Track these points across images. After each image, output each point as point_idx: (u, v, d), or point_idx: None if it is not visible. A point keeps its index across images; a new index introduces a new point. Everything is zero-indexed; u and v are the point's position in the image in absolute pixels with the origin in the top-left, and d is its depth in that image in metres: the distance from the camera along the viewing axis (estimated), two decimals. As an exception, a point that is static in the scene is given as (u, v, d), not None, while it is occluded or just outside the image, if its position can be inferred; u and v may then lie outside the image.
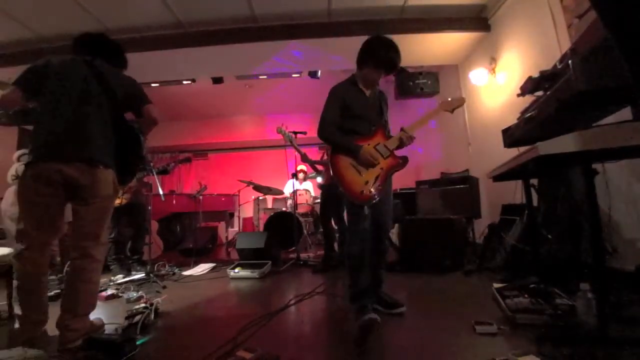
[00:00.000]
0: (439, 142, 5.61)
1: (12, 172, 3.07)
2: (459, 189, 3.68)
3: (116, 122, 1.71)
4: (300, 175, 5.13)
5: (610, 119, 1.61)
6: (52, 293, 2.15)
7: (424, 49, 4.15)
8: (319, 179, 3.87)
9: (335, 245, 3.58)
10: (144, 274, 3.07)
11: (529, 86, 1.90)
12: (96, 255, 1.58)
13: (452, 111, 1.96)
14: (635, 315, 1.50)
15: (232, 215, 6.39)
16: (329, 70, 4.82)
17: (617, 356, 1.22)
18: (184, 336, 1.71)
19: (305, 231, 4.66)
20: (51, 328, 1.50)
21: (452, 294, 2.30)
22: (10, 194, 3.07)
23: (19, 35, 3.69)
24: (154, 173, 3.32)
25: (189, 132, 7.59)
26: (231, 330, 1.65)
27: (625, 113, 1.59)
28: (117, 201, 3.10)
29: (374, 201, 1.80)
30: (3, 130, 4.88)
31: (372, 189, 1.81)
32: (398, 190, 4.34)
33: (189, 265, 3.69)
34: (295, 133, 3.79)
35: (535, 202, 2.33)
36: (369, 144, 1.85)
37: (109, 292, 2.34)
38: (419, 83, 4.54)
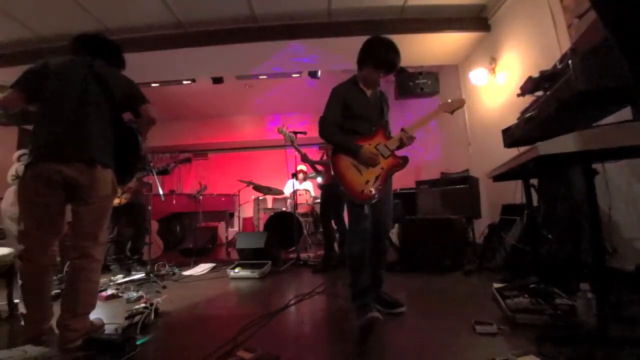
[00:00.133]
0: (439, 142, 5.61)
1: (12, 172, 3.08)
2: (459, 189, 3.68)
3: (115, 122, 1.72)
4: (300, 176, 5.13)
5: (610, 119, 1.61)
6: (52, 293, 2.16)
7: (424, 49, 4.15)
8: (319, 179, 3.87)
9: (336, 246, 3.58)
10: (144, 274, 3.07)
11: (529, 86, 1.90)
12: (95, 255, 1.58)
13: (452, 112, 1.97)
14: (635, 315, 1.50)
15: (232, 215, 6.39)
16: (329, 70, 4.82)
17: (617, 356, 1.22)
18: (184, 336, 1.71)
19: (305, 231, 4.66)
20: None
21: (452, 294, 2.30)
22: (10, 194, 3.07)
23: (19, 35, 3.69)
24: (154, 173, 3.33)
25: (189, 132, 7.59)
26: (231, 330, 1.65)
27: (625, 113, 1.59)
28: (117, 201, 3.11)
29: (374, 200, 1.81)
30: (3, 130, 4.88)
31: (372, 189, 1.81)
32: (398, 190, 4.34)
33: (189, 265, 3.69)
34: (296, 133, 3.79)
35: (535, 202, 2.33)
36: (369, 144, 1.85)
37: (109, 292, 2.34)
38: (419, 83, 4.54)
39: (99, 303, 1.67)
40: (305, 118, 6.92)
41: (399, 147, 1.89)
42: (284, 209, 4.94)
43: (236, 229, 6.05)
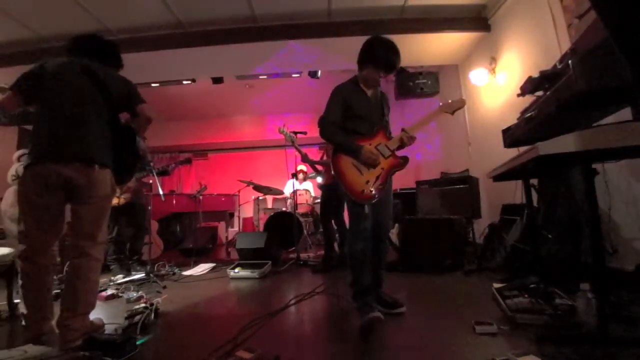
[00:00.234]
0: (439, 142, 5.61)
1: (12, 172, 3.07)
2: (459, 189, 3.68)
3: (113, 122, 1.73)
4: (300, 176, 5.13)
5: (610, 119, 1.61)
6: (52, 293, 2.16)
7: (424, 49, 4.15)
8: (319, 179, 3.87)
9: (336, 246, 3.58)
10: (144, 274, 3.07)
11: (529, 86, 1.90)
12: (94, 254, 1.59)
13: (452, 113, 1.97)
14: (635, 315, 1.50)
15: (232, 215, 6.39)
16: (329, 70, 4.82)
17: (617, 356, 1.22)
18: (184, 336, 1.71)
19: (305, 231, 4.66)
20: (52, 328, 1.51)
21: (452, 294, 2.30)
22: (10, 194, 3.07)
23: (19, 35, 3.69)
24: (154, 173, 3.33)
25: (189, 132, 7.59)
26: (231, 330, 1.65)
27: (625, 113, 1.59)
28: (116, 201, 3.11)
29: (375, 200, 1.81)
30: (3, 130, 4.89)
31: (372, 189, 1.82)
32: (398, 190, 4.34)
33: (189, 265, 3.69)
34: (296, 133, 3.79)
35: (535, 202, 2.33)
36: (370, 144, 1.86)
37: (109, 292, 2.34)
38: (419, 83, 4.54)
39: (99, 303, 1.67)
40: (305, 118, 6.92)
41: (399, 148, 1.89)
42: (284, 209, 4.94)
43: (236, 229, 6.04)
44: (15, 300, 2.09)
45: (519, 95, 2.07)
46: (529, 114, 1.83)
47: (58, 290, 2.35)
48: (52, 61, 1.67)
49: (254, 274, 3.08)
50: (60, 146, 1.53)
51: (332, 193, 3.37)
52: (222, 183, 6.78)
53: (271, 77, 5.17)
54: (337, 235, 3.63)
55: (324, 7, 3.62)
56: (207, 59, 4.25)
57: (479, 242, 3.35)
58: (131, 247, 3.44)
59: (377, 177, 1.84)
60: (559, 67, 1.58)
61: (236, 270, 3.18)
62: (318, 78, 4.95)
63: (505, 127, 2.27)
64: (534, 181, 2.47)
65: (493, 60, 3.75)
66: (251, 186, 4.81)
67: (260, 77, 5.08)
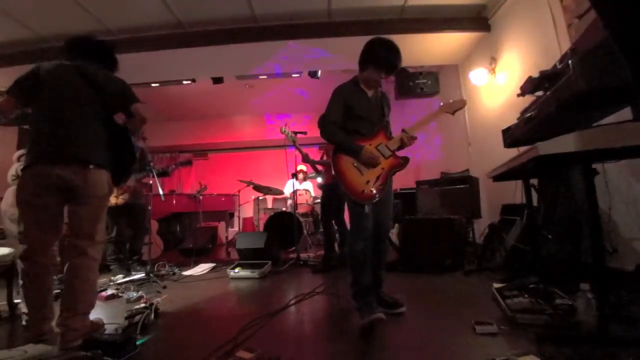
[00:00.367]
0: (439, 142, 5.61)
1: (12, 172, 3.07)
2: (459, 189, 3.68)
3: (108, 123, 1.74)
4: (300, 176, 5.13)
5: (610, 119, 1.61)
6: (53, 293, 2.17)
7: (424, 49, 4.15)
8: (319, 179, 3.87)
9: (336, 246, 3.58)
10: (144, 274, 3.07)
11: (529, 86, 1.90)
12: (92, 253, 1.59)
13: (453, 113, 1.97)
14: (635, 315, 1.50)
15: (232, 215, 6.39)
16: (329, 70, 4.82)
17: (617, 356, 1.22)
18: (184, 336, 1.71)
19: (305, 231, 4.66)
20: (52, 328, 1.51)
21: (452, 294, 2.30)
22: (10, 194, 3.06)
23: (19, 35, 3.69)
24: (154, 174, 3.33)
25: (189, 132, 7.59)
26: (231, 330, 1.65)
27: (625, 113, 1.59)
28: (115, 201, 3.11)
29: (375, 200, 1.81)
30: (3, 130, 4.89)
31: (373, 188, 1.82)
32: (398, 190, 4.34)
33: (189, 265, 3.69)
34: (296, 133, 3.79)
35: (535, 202, 2.33)
36: (370, 144, 1.86)
37: (109, 292, 2.34)
38: (419, 83, 4.54)
39: (99, 303, 1.68)
40: (305, 118, 6.93)
41: (399, 148, 1.89)
42: (284, 209, 4.94)
43: (236, 229, 6.04)
44: (16, 300, 2.09)
45: (519, 95, 2.06)
46: (529, 114, 1.83)
47: (58, 291, 2.35)
48: (47, 63, 1.69)
49: (254, 274, 3.08)
50: (56, 148, 1.55)
51: (333, 193, 3.37)
52: (222, 183, 6.78)
53: (271, 77, 5.18)
54: (337, 235, 3.63)
55: (324, 7, 3.62)
56: (207, 59, 4.25)
57: (479, 242, 3.35)
58: (131, 247, 3.44)
59: (378, 177, 1.85)
60: (559, 67, 1.58)
61: (236, 270, 3.18)
62: (318, 78, 4.95)
63: (505, 127, 2.27)
64: (534, 181, 2.47)
65: (493, 60, 3.75)
66: (251, 186, 4.81)
67: (260, 77, 5.08)
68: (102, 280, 2.96)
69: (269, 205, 6.23)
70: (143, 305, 1.93)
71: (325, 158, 3.77)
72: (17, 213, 1.59)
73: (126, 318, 1.77)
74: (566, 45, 2.48)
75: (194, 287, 2.86)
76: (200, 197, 4.91)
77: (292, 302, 2.19)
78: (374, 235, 1.87)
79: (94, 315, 1.62)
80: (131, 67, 4.11)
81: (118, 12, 3.50)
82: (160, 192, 3.36)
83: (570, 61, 1.39)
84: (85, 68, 1.70)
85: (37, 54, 3.73)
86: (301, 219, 4.59)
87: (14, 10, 3.35)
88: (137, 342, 1.53)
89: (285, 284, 2.89)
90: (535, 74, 1.84)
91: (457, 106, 1.96)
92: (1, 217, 3.09)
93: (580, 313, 1.47)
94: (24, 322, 1.55)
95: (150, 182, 3.66)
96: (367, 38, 1.92)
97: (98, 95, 1.67)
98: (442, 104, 1.98)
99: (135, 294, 2.30)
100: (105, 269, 3.16)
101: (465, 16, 3.83)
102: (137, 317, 1.80)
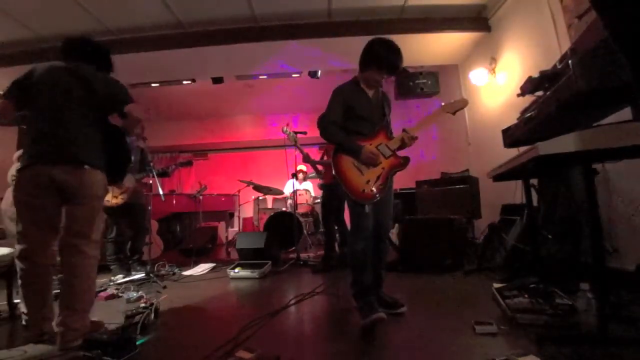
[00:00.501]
0: (438, 141, 5.61)
1: (12, 172, 3.07)
2: (459, 189, 3.68)
3: (103, 124, 1.75)
4: (300, 175, 5.13)
5: (610, 119, 1.61)
6: (52, 293, 2.17)
7: (424, 49, 4.15)
8: (320, 179, 3.86)
9: (336, 246, 3.58)
10: (144, 274, 3.06)
11: (529, 86, 1.90)
12: (89, 252, 1.60)
13: (454, 113, 1.96)
14: (635, 315, 1.50)
15: (232, 215, 6.39)
16: (329, 70, 4.82)
17: (617, 356, 1.22)
18: (184, 336, 1.71)
19: (305, 231, 4.66)
20: (52, 328, 1.51)
21: (452, 294, 2.30)
22: (10, 194, 3.07)
23: (19, 35, 3.69)
24: (154, 174, 3.33)
25: (189, 132, 7.58)
26: (231, 330, 1.65)
27: (625, 113, 1.59)
28: (114, 201, 3.11)
29: (375, 200, 1.81)
30: (3, 130, 4.89)
31: (373, 188, 1.82)
32: (398, 190, 4.34)
33: (189, 265, 3.69)
34: (296, 133, 3.79)
35: (535, 202, 2.33)
36: (371, 144, 1.86)
37: (109, 292, 2.34)
38: (419, 83, 4.55)
39: (99, 303, 1.68)
40: (305, 118, 6.92)
41: (400, 148, 1.89)
42: (284, 209, 4.94)
43: (236, 229, 6.04)
44: (15, 300, 2.09)
45: (519, 95, 2.06)
46: (529, 114, 1.83)
47: (58, 291, 2.35)
48: (41, 65, 1.70)
49: (254, 274, 3.08)
50: (57, 148, 1.56)
51: (334, 193, 3.37)
52: (222, 183, 6.78)
53: (271, 77, 5.18)
54: (337, 235, 3.63)
55: (324, 7, 3.62)
56: (207, 59, 4.25)
57: (479, 242, 3.34)
58: (132, 246, 3.44)
59: (378, 177, 1.84)
60: (559, 67, 1.58)
61: (236, 270, 3.18)
62: (318, 78, 4.95)
63: (505, 127, 2.26)
64: (534, 181, 2.47)
65: (493, 60, 3.75)
66: (251, 186, 4.81)
67: (260, 77, 5.08)
68: (102, 280, 2.96)
69: (269, 205, 6.23)
70: (143, 305, 1.93)
71: (325, 158, 3.77)
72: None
73: (126, 318, 1.77)
74: (566, 45, 2.48)
75: (194, 287, 2.86)
76: (200, 197, 4.91)
77: (292, 302, 2.18)
78: (374, 235, 1.87)
79: (94, 315, 1.61)
80: (131, 67, 4.12)
81: (118, 12, 3.50)
82: (160, 192, 3.36)
83: (570, 61, 1.39)
84: (79, 69, 1.71)
85: (37, 54, 3.73)
86: (301, 219, 4.59)
87: (14, 10, 3.35)
88: (137, 342, 1.52)
89: (285, 284, 2.89)
90: (535, 74, 1.84)
91: (458, 106, 1.96)
92: (1, 216, 3.10)
93: (580, 313, 1.48)
94: (23, 322, 1.55)
95: (150, 182, 3.66)
96: (367, 38, 1.92)
97: (93, 96, 1.68)
98: (443, 104, 1.98)
99: (135, 294, 2.30)
100: (105, 269, 3.16)
101: (465, 16, 3.83)
102: (137, 317, 1.80)
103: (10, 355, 1.28)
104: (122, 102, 1.76)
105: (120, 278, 3.05)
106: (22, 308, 1.54)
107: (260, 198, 5.83)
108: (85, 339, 1.46)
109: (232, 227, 6.42)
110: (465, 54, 4.37)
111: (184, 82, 4.97)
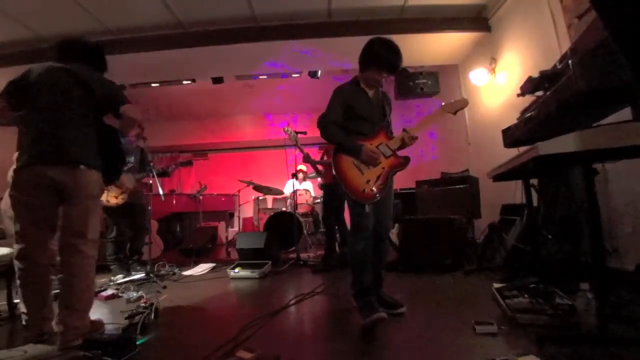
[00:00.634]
0: (438, 141, 5.61)
1: (11, 172, 3.07)
2: (459, 189, 3.68)
3: (98, 124, 1.75)
4: (300, 175, 5.13)
5: (610, 119, 1.61)
6: (52, 293, 2.17)
7: (424, 49, 4.15)
8: (320, 179, 3.86)
9: (336, 245, 3.58)
10: (144, 274, 3.06)
11: (529, 86, 1.90)
12: (87, 251, 1.60)
13: (454, 113, 1.96)
14: (635, 315, 1.50)
15: (232, 215, 6.39)
16: (329, 70, 4.82)
17: (617, 356, 1.22)
18: (184, 336, 1.71)
19: (305, 231, 4.66)
20: (52, 328, 1.51)
21: (452, 294, 2.30)
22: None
23: (19, 35, 3.69)
24: (154, 174, 3.32)
25: (189, 132, 7.58)
26: (231, 330, 1.65)
27: (625, 113, 1.59)
28: (115, 201, 3.11)
29: (375, 199, 1.81)
30: (3, 130, 4.88)
31: (373, 188, 1.82)
32: (398, 190, 4.34)
33: (189, 265, 3.69)
34: (297, 133, 3.79)
35: (535, 202, 2.33)
36: (371, 144, 1.86)
37: (109, 292, 2.34)
38: (419, 83, 4.55)
39: (99, 303, 1.68)
40: (305, 118, 6.92)
41: (400, 147, 1.89)
42: (284, 209, 4.94)
43: (236, 229, 6.04)
44: (15, 300, 2.09)
45: (519, 95, 2.06)
46: (529, 114, 1.83)
47: (57, 291, 2.35)
48: (39, 66, 1.70)
49: (254, 274, 3.08)
50: (57, 148, 1.56)
51: (334, 192, 3.37)
52: (222, 183, 6.78)
53: (271, 77, 5.18)
54: (337, 235, 3.63)
55: (324, 7, 3.62)
56: (207, 59, 4.25)
57: (479, 242, 3.34)
58: (132, 246, 3.44)
59: (378, 177, 1.84)
60: (559, 67, 1.58)
61: (236, 270, 3.18)
62: (318, 78, 4.95)
63: (505, 127, 2.26)
64: (534, 181, 2.47)
65: (493, 60, 3.75)
66: (251, 186, 4.81)
67: (260, 77, 5.08)
68: (102, 280, 2.96)
69: (269, 205, 6.23)
70: (143, 305, 1.93)
71: (325, 158, 3.77)
72: (16, 212, 1.59)
73: (126, 318, 1.78)
74: (566, 45, 2.48)
75: (194, 287, 2.86)
76: (200, 197, 4.91)
77: (292, 302, 2.18)
78: (375, 235, 1.87)
79: (94, 315, 1.61)
80: (131, 67, 4.13)
81: (118, 12, 3.50)
82: (160, 192, 3.36)
83: (570, 61, 1.39)
84: (74, 69, 1.71)
85: (37, 54, 3.73)
86: (301, 219, 4.59)
87: (14, 10, 3.35)
88: (137, 342, 1.52)
89: (285, 284, 2.89)
90: (535, 74, 1.84)
91: (458, 106, 1.96)
92: (1, 216, 3.10)
93: (580, 313, 1.48)
94: (23, 322, 1.55)
95: (150, 182, 3.66)
96: (367, 38, 1.92)
97: (89, 97, 1.69)
98: (443, 104, 1.98)
99: (135, 294, 2.30)
100: (105, 269, 3.16)
101: (465, 16, 3.83)
102: (137, 317, 1.80)
103: (10, 355, 1.28)
104: (119, 103, 1.76)
105: (120, 278, 3.05)
106: (22, 308, 1.55)
107: (260, 198, 5.83)
108: (85, 338, 1.46)
109: (232, 227, 6.42)
110: (465, 54, 4.37)
111: (184, 82, 4.98)
